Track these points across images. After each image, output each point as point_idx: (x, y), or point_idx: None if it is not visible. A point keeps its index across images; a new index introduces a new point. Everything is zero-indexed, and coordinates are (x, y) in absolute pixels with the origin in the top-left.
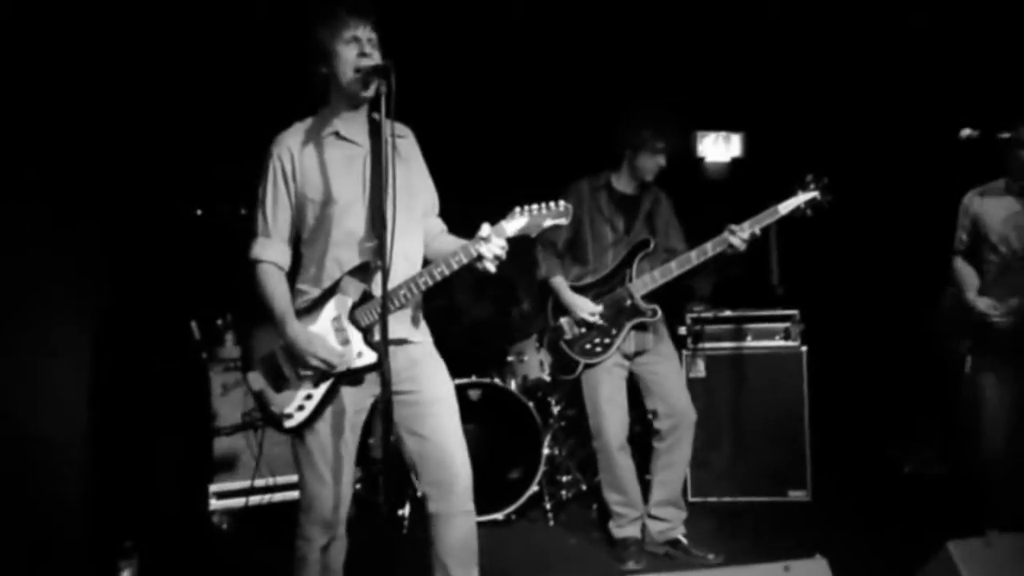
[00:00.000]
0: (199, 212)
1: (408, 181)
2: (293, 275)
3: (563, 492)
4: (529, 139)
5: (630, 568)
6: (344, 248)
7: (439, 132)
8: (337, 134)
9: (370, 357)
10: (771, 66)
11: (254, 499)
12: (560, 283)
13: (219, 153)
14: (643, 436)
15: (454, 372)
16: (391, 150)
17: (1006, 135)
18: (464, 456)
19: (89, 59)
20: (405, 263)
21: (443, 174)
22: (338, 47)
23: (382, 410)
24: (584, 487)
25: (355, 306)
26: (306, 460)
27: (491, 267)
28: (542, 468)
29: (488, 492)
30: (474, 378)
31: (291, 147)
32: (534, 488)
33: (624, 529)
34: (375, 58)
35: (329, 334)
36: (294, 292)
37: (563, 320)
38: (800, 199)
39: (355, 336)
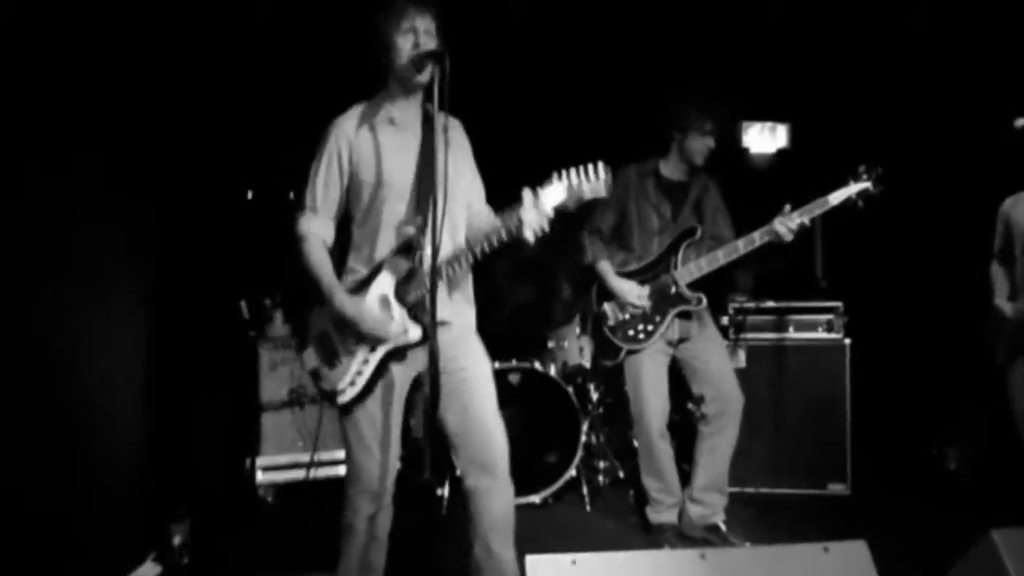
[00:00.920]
0: (251, 195)
1: (457, 169)
2: (344, 255)
3: (600, 478)
4: (577, 130)
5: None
6: (393, 230)
7: (488, 121)
8: (391, 120)
9: (415, 333)
10: (818, 56)
11: (299, 473)
12: (606, 268)
13: (281, 139)
14: (682, 425)
15: (495, 356)
16: (442, 136)
17: None
18: (502, 433)
19: (145, 40)
20: (450, 243)
21: (491, 164)
22: (396, 37)
23: (430, 385)
24: (621, 474)
25: (400, 284)
26: (354, 433)
27: (531, 236)
28: (579, 453)
29: (526, 475)
30: (514, 362)
31: (348, 131)
32: (571, 473)
33: (661, 515)
34: (431, 46)
35: (376, 310)
36: (345, 271)
37: (607, 306)
38: (852, 189)
39: (400, 313)
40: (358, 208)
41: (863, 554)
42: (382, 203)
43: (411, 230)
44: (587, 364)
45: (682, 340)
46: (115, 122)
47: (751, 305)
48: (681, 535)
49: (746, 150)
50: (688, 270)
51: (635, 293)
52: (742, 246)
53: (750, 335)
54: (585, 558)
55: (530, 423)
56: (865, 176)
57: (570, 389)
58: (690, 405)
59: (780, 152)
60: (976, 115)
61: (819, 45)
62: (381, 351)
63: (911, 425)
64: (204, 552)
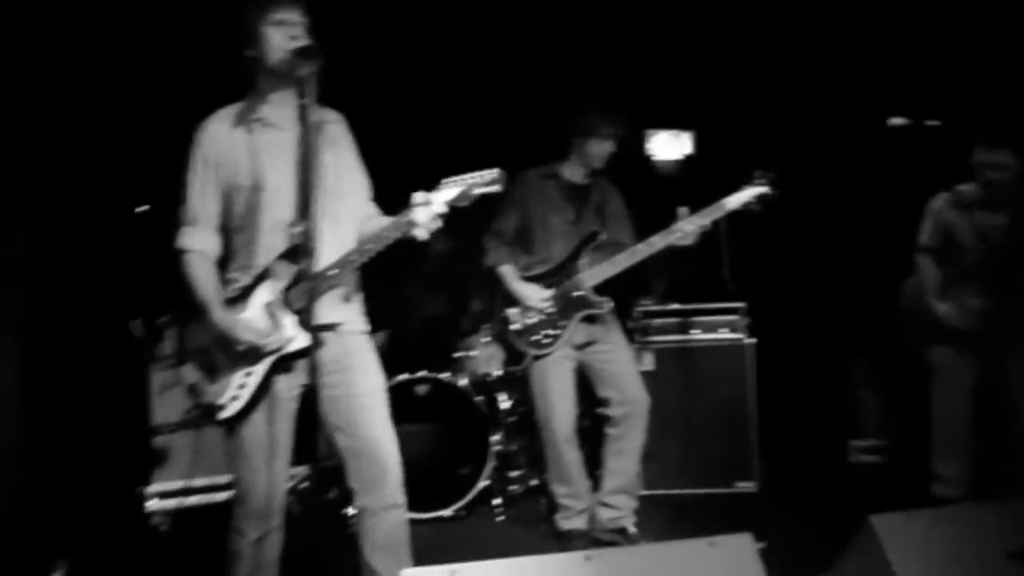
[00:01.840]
0: (145, 208)
1: (337, 165)
2: (223, 264)
3: (513, 487)
4: (476, 134)
5: None
6: (274, 234)
7: (380, 122)
8: (263, 119)
9: (302, 341)
10: (720, 65)
11: (194, 499)
12: (508, 272)
13: (166, 152)
14: (592, 430)
15: (405, 367)
16: (316, 133)
17: (934, 123)
18: (395, 450)
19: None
20: (336, 246)
21: (382, 165)
22: (266, 29)
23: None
24: (535, 482)
25: (287, 289)
26: (239, 451)
27: (423, 233)
28: (491, 463)
29: (436, 488)
30: (423, 373)
31: (216, 133)
32: (483, 483)
33: (570, 521)
34: (303, 41)
35: (260, 319)
36: (225, 281)
37: (512, 311)
38: (748, 193)
39: (288, 320)
40: (234, 214)
41: (748, 547)
42: (258, 206)
43: (298, 232)
44: (498, 372)
45: (588, 344)
46: None
47: (657, 308)
48: (591, 540)
49: (652, 157)
50: (592, 274)
51: (537, 297)
52: (643, 249)
53: (657, 338)
54: (464, 568)
55: (440, 435)
56: (760, 180)
57: (480, 399)
58: (599, 409)
59: (686, 158)
60: (864, 116)
61: (722, 54)
62: (266, 363)
63: (814, 421)
64: None
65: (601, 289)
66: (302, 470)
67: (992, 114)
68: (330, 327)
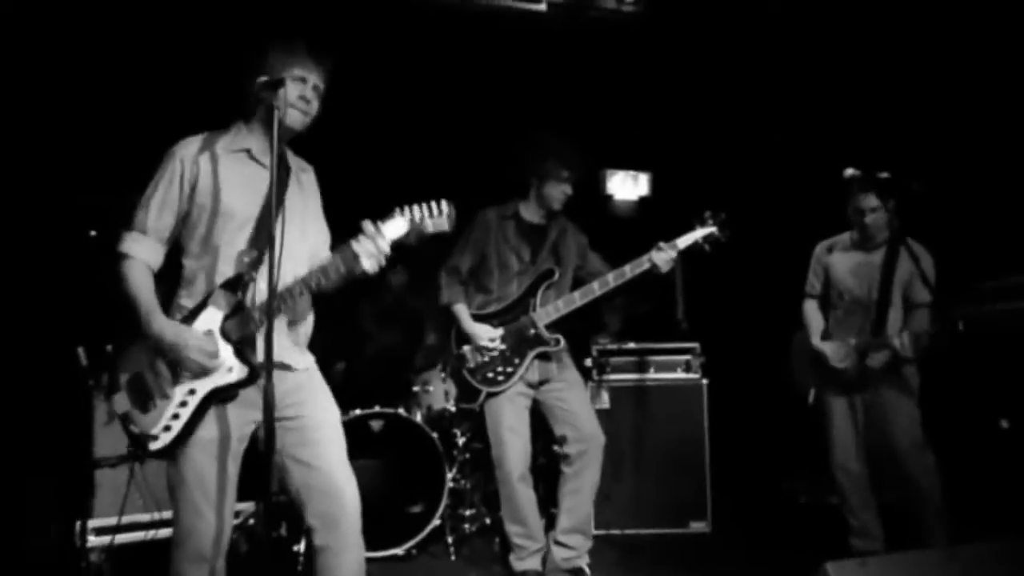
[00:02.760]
0: (92, 234)
1: (303, 211)
2: (174, 289)
3: (466, 526)
4: (438, 171)
5: None
6: (232, 265)
7: (345, 160)
8: (249, 152)
9: (240, 372)
10: (678, 109)
11: (138, 535)
12: (461, 311)
13: (116, 176)
14: (548, 468)
15: (359, 402)
16: (288, 175)
17: (884, 175)
18: (353, 486)
19: None
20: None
21: (347, 204)
22: (285, 77)
23: (265, 432)
24: (488, 520)
25: (225, 319)
26: (181, 490)
27: (368, 265)
28: (445, 501)
29: (389, 526)
30: (377, 408)
31: (196, 153)
32: (436, 522)
33: (524, 562)
34: (314, 107)
35: (200, 334)
36: (174, 306)
37: (466, 348)
38: (697, 234)
39: (226, 351)
40: (193, 239)
41: None
42: (222, 236)
43: (246, 261)
44: (453, 408)
45: (543, 382)
46: None
47: (613, 347)
48: None
49: (610, 197)
50: (546, 311)
51: (488, 336)
52: (597, 287)
53: (613, 376)
54: None
55: (394, 472)
56: (711, 221)
57: (435, 435)
58: (555, 447)
59: (642, 199)
60: (819, 164)
61: (680, 99)
62: (201, 392)
63: (765, 461)
64: None
65: (556, 327)
66: (249, 506)
67: (859, 160)
68: (280, 365)
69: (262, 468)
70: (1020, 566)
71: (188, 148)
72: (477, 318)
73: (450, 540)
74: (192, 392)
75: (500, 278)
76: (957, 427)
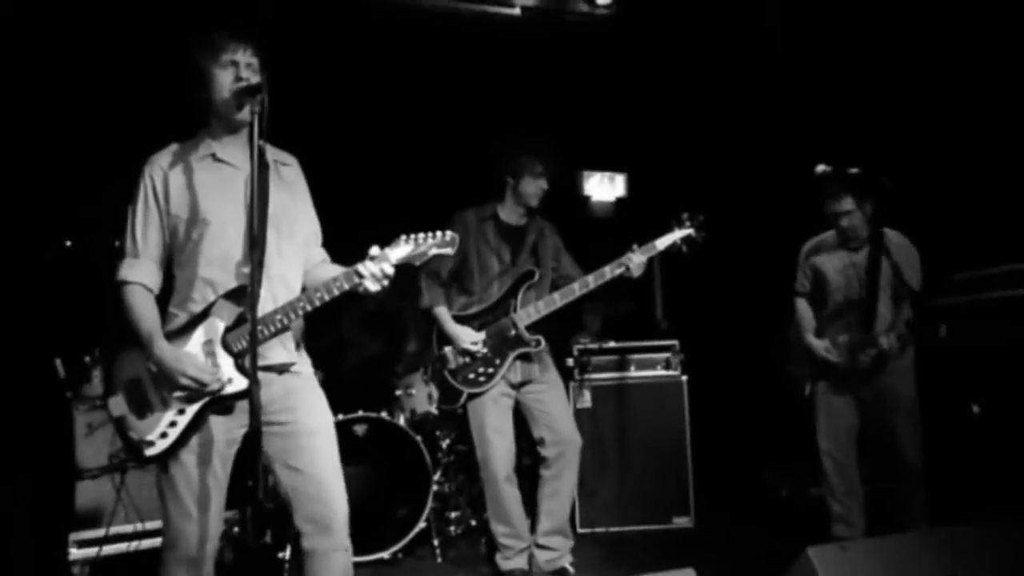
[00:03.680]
0: (68, 244)
1: (289, 208)
2: (166, 298)
3: (452, 528)
4: (416, 174)
5: None
6: (217, 270)
7: (325, 163)
8: (214, 156)
9: (240, 384)
10: (653, 110)
11: (120, 547)
12: (442, 313)
13: (90, 185)
14: (533, 468)
15: (342, 407)
16: (267, 172)
17: (855, 171)
18: (342, 491)
19: None
20: (284, 290)
21: (328, 206)
22: (215, 70)
23: (253, 439)
24: (474, 522)
25: (228, 330)
26: (171, 493)
27: (372, 287)
28: (430, 504)
29: (374, 530)
30: (361, 413)
31: (163, 167)
32: (422, 525)
33: (511, 561)
34: (248, 80)
35: (199, 357)
36: (165, 315)
37: (447, 349)
38: (675, 235)
39: (226, 362)
40: (177, 249)
41: None
42: (202, 243)
43: (245, 272)
44: (436, 411)
45: (524, 383)
46: None
47: (594, 346)
48: None
49: (587, 198)
50: (527, 312)
51: (469, 339)
52: (577, 288)
53: (594, 375)
54: None
55: (378, 476)
56: (688, 223)
57: (419, 438)
58: (537, 444)
59: (619, 200)
60: (793, 162)
61: (656, 100)
62: (200, 401)
63: (746, 455)
64: None
65: (537, 328)
66: (235, 514)
67: (832, 157)
68: (273, 368)
69: (248, 474)
70: (998, 548)
71: (155, 164)
72: (459, 319)
73: (436, 543)
74: (191, 401)
75: (481, 280)
76: (930, 413)
